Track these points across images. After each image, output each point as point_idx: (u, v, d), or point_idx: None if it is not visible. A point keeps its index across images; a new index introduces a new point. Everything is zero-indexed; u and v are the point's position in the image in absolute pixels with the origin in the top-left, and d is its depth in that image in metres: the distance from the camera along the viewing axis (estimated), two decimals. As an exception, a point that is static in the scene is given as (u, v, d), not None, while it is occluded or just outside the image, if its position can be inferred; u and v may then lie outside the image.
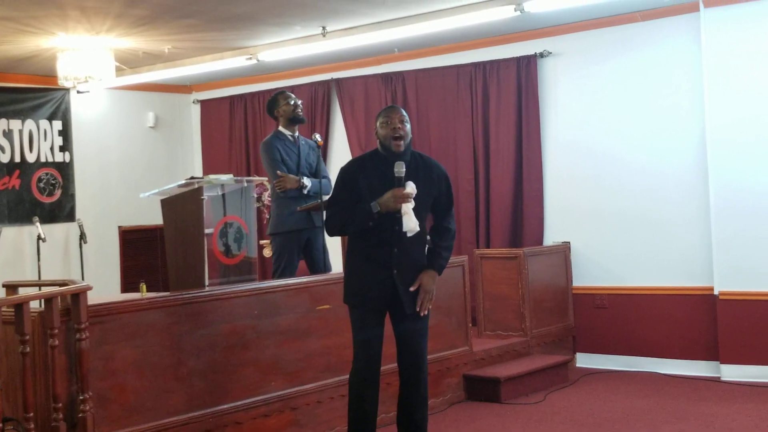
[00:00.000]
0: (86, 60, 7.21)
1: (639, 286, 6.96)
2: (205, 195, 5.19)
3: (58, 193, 8.67)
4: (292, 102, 5.87)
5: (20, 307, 3.83)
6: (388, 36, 6.89)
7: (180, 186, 5.33)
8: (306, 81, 8.72)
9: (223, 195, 5.34)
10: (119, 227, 8.99)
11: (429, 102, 7.98)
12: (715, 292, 6.46)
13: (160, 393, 4.35)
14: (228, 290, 4.78)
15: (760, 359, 6.25)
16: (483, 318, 6.88)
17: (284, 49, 7.48)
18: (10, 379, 4.01)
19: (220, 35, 7.19)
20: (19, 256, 8.32)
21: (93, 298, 4.13)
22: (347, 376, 4.30)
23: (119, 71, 7.90)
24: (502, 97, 7.54)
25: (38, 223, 8.06)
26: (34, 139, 8.48)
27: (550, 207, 7.40)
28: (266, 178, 6.23)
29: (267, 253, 6.47)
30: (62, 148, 8.70)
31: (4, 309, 3.96)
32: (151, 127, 9.46)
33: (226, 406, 4.63)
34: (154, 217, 7.28)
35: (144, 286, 4.69)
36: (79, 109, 8.85)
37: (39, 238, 7.92)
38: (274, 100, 5.94)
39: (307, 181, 5.74)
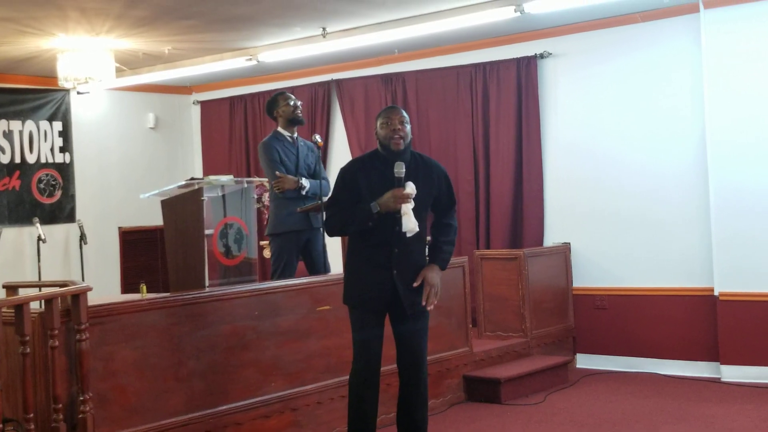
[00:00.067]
0: (86, 61, 7.21)
1: (639, 286, 6.96)
2: (205, 196, 5.19)
3: (58, 193, 8.67)
4: (292, 103, 5.85)
5: (20, 308, 3.83)
6: (388, 37, 6.89)
7: (180, 187, 5.34)
8: (306, 82, 8.72)
9: (224, 196, 5.34)
10: (119, 228, 9.00)
11: (429, 103, 7.97)
12: (715, 293, 6.46)
13: (160, 394, 4.35)
14: (228, 291, 4.78)
15: (761, 360, 6.25)
16: (483, 319, 6.88)
17: (284, 50, 7.48)
18: (11, 380, 4.01)
19: (220, 36, 7.19)
20: (20, 256, 8.32)
21: (93, 298, 4.13)
22: (347, 377, 4.30)
23: (119, 72, 7.91)
24: (502, 98, 7.54)
25: (38, 224, 8.04)
26: (35, 139, 8.48)
27: (550, 208, 7.40)
28: (266, 179, 6.22)
29: (267, 254, 6.47)
30: (62, 149, 8.70)
31: (4, 310, 3.95)
32: (151, 128, 9.46)
33: (226, 407, 4.63)
34: (154, 218, 7.28)
35: (144, 287, 4.69)
36: (80, 110, 8.85)
37: (39, 238, 7.91)
38: (273, 100, 5.93)
39: (305, 182, 5.72)
